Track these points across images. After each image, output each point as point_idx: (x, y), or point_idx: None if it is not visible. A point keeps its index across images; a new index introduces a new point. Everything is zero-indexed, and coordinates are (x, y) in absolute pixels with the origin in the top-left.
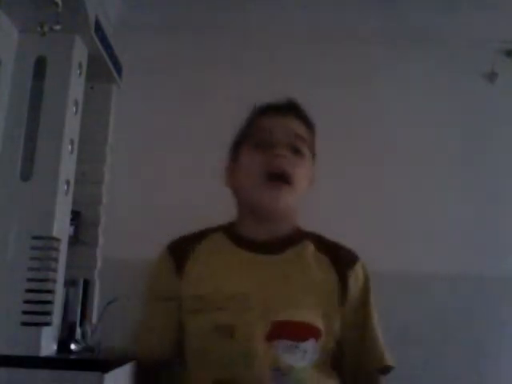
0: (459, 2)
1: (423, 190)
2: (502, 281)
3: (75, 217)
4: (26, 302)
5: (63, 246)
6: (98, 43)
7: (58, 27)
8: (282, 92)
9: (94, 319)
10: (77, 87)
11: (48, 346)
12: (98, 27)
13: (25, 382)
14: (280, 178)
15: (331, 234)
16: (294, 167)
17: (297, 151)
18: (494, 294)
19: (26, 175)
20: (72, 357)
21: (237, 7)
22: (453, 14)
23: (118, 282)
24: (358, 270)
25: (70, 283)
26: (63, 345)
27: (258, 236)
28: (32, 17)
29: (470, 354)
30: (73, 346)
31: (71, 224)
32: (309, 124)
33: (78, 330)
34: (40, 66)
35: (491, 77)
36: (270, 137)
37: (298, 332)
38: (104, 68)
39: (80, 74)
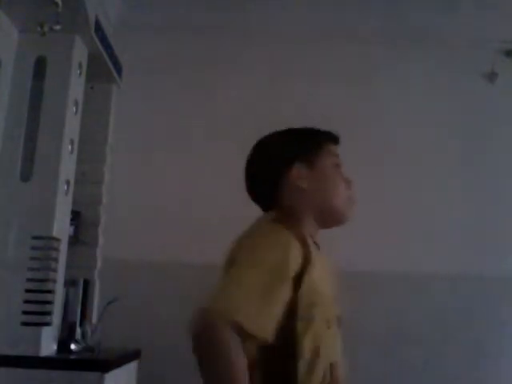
0: (459, 1)
1: (423, 190)
2: (502, 281)
3: (75, 217)
4: (26, 301)
5: (63, 246)
6: (98, 43)
7: (57, 27)
8: (282, 92)
9: (94, 319)
10: (77, 87)
11: (48, 346)
12: (98, 27)
13: (25, 382)
14: (355, 203)
15: (331, 234)
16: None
17: None
18: (494, 294)
19: (26, 175)
20: (72, 357)
21: (237, 7)
22: (453, 14)
23: (118, 282)
24: None
25: (70, 283)
26: (63, 345)
27: (315, 238)
28: (32, 17)
29: (469, 353)
30: (73, 346)
31: (71, 224)
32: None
33: (78, 330)
34: (40, 66)
35: (491, 77)
36: (340, 163)
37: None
38: (104, 68)
39: (80, 74)
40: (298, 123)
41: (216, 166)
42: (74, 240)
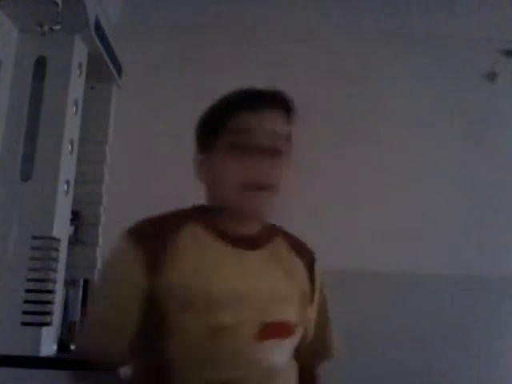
0: (459, 1)
1: (423, 190)
2: (502, 281)
3: (75, 217)
4: (26, 301)
5: (63, 246)
6: (98, 43)
7: (57, 27)
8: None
9: None
10: (77, 87)
11: (48, 346)
12: (98, 27)
13: (25, 382)
14: (260, 188)
15: (331, 233)
16: (276, 173)
17: (279, 151)
18: (494, 294)
19: (26, 175)
20: (72, 357)
21: (237, 7)
22: (453, 14)
23: None
24: (318, 268)
25: (70, 283)
26: (63, 345)
27: (238, 231)
28: (32, 17)
29: (470, 354)
30: (73, 346)
31: (71, 224)
32: (292, 114)
33: None
34: (40, 65)
35: (491, 77)
36: (248, 140)
37: (284, 331)
38: (104, 68)
39: (80, 74)
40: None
41: None
42: (74, 240)
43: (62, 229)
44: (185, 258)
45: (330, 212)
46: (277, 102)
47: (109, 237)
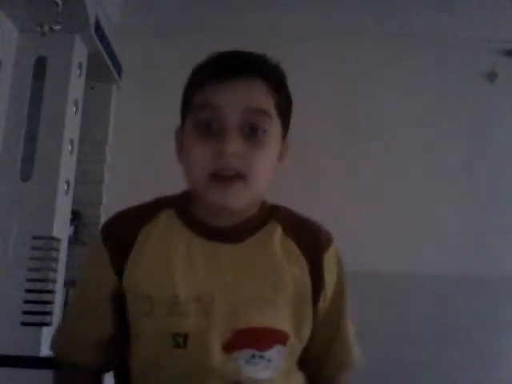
0: (459, 1)
1: (423, 190)
2: (502, 281)
3: (75, 217)
4: (26, 301)
5: (63, 246)
6: (98, 43)
7: (57, 27)
8: None
9: None
10: (77, 87)
11: (48, 346)
12: (98, 27)
13: (25, 382)
14: (228, 177)
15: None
16: (251, 158)
17: (255, 130)
18: (494, 294)
19: (26, 175)
20: None
21: (237, 7)
22: (453, 14)
23: None
24: (331, 255)
25: (70, 283)
26: None
27: (217, 221)
28: (32, 17)
29: (470, 354)
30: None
31: (71, 224)
32: (277, 83)
33: None
34: (40, 65)
35: (491, 77)
36: (215, 118)
37: (263, 340)
38: (104, 68)
39: (80, 74)
40: (297, 123)
41: None
42: (74, 240)
43: (62, 229)
44: (150, 254)
45: (329, 212)
46: (253, 68)
47: None
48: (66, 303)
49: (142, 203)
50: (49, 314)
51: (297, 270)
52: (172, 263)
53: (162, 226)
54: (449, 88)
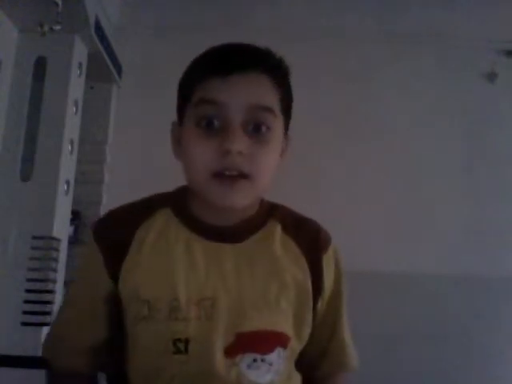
0: (459, 1)
1: (423, 190)
2: (502, 281)
3: (75, 217)
4: (26, 301)
5: (63, 246)
6: (98, 43)
7: (58, 27)
8: None
9: None
10: (77, 87)
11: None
12: (98, 27)
13: (25, 382)
14: (231, 177)
15: (331, 233)
16: (255, 157)
17: (259, 128)
18: (495, 294)
19: (26, 175)
20: None
21: (237, 7)
22: (453, 14)
23: None
24: (330, 255)
25: (69, 283)
26: None
27: (217, 220)
28: (32, 17)
29: (470, 354)
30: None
31: (71, 224)
32: (281, 78)
33: None
34: (40, 65)
35: (491, 77)
36: (217, 114)
37: (265, 343)
38: (104, 68)
39: (80, 74)
40: (297, 122)
41: None
42: (74, 240)
43: (61, 229)
44: (147, 256)
45: (329, 212)
46: (257, 63)
47: None
48: None
49: (135, 201)
50: (49, 314)
51: (297, 271)
52: (172, 264)
53: (159, 226)
54: (449, 88)
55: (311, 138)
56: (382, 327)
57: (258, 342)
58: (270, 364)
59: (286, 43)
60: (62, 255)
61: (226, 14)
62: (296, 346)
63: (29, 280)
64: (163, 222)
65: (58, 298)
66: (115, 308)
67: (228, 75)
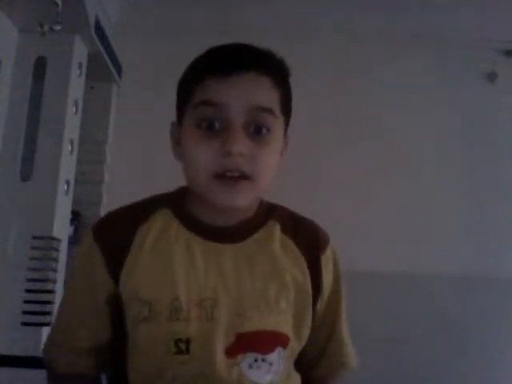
0: (459, 1)
1: (423, 190)
2: (503, 281)
3: (75, 217)
4: (26, 301)
5: (63, 246)
6: (98, 43)
7: (58, 27)
8: None
9: None
10: (77, 87)
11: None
12: (98, 27)
13: (25, 382)
14: (233, 178)
15: (330, 233)
16: (256, 158)
17: (260, 129)
18: (495, 294)
19: (26, 175)
20: None
21: (236, 7)
22: (453, 14)
23: None
24: (328, 255)
25: (67, 283)
26: None
27: (217, 221)
28: (32, 17)
29: (470, 354)
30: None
31: (71, 224)
32: (281, 78)
33: None
34: (40, 65)
35: (491, 77)
36: (218, 116)
37: (266, 343)
38: (104, 68)
39: (80, 74)
40: (297, 122)
41: None
42: (74, 240)
43: (61, 229)
44: (148, 257)
45: (329, 212)
46: (258, 64)
47: None
48: None
49: (134, 203)
50: (49, 314)
51: (297, 271)
52: (172, 265)
53: (159, 227)
54: (449, 88)
55: (311, 138)
56: (382, 327)
57: (258, 342)
58: (271, 364)
59: (285, 43)
60: (62, 255)
61: (226, 14)
62: (295, 346)
63: (29, 280)
64: (163, 222)
65: (58, 298)
66: (116, 309)
67: (228, 76)
